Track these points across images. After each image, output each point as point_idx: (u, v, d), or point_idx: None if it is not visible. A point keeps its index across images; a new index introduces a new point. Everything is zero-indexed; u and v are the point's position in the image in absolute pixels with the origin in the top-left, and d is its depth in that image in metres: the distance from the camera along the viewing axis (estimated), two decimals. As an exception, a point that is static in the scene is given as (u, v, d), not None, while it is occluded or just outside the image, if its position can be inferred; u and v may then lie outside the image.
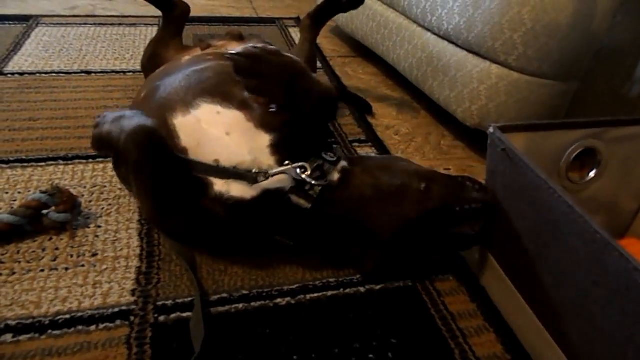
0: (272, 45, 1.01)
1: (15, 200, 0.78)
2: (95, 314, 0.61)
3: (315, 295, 0.68)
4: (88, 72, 1.21)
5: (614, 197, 0.78)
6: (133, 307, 0.63)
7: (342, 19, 1.49)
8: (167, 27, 1.04)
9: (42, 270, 0.67)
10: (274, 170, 0.63)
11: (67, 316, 0.61)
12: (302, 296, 0.67)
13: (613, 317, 0.48)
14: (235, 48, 0.90)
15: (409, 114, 1.21)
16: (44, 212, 0.72)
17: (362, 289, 0.69)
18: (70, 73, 1.19)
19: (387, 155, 1.00)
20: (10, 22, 1.44)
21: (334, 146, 0.98)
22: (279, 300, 0.66)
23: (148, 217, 0.76)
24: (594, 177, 0.76)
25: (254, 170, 0.62)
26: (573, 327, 0.54)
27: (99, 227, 0.75)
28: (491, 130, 0.64)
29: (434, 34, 1.09)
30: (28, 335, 0.58)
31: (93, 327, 0.60)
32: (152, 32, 1.48)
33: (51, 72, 1.19)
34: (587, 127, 0.72)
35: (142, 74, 1.03)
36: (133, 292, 0.65)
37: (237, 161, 0.63)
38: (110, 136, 0.63)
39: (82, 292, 0.64)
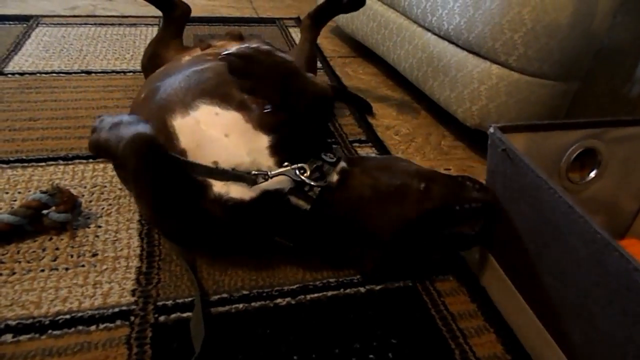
0: (271, 46, 1.02)
1: (15, 200, 0.78)
2: (96, 314, 0.61)
3: (316, 295, 0.68)
4: (88, 72, 1.21)
5: (614, 198, 0.78)
6: (133, 307, 0.63)
7: (342, 19, 1.49)
8: (167, 28, 1.04)
9: (43, 270, 0.67)
10: (273, 172, 0.63)
11: (67, 316, 0.61)
12: (303, 296, 0.67)
13: (613, 318, 0.48)
14: (229, 48, 0.90)
15: (409, 114, 1.21)
16: (44, 212, 0.72)
17: (362, 289, 0.70)
18: (70, 73, 1.19)
19: (387, 156, 1.00)
20: (11, 22, 1.44)
21: (334, 146, 0.98)
22: (279, 300, 0.66)
23: (148, 219, 0.76)
24: (594, 178, 0.76)
25: (253, 172, 0.62)
26: (573, 327, 0.54)
27: (99, 227, 0.75)
28: (491, 130, 0.64)
29: (435, 34, 1.09)
30: (28, 335, 0.58)
31: (93, 327, 0.60)
32: (153, 32, 1.48)
33: (51, 72, 1.19)
34: (587, 127, 0.72)
35: (142, 74, 1.03)
36: (133, 292, 0.65)
37: (236, 162, 0.63)
38: (108, 143, 0.62)
39: (82, 292, 0.64)
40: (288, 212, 0.64)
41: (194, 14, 1.10)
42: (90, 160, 0.89)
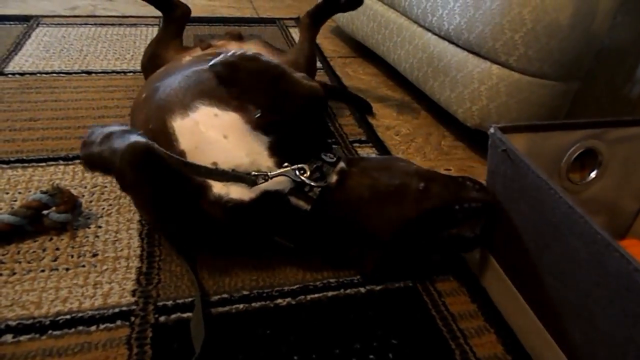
0: (271, 46, 1.02)
1: (15, 201, 0.78)
2: (96, 315, 0.61)
3: (316, 295, 0.68)
4: (89, 73, 1.21)
5: (614, 198, 0.78)
6: (133, 307, 0.63)
7: (342, 19, 1.49)
8: (167, 28, 1.04)
9: (43, 271, 0.67)
10: (273, 172, 0.63)
11: (68, 316, 0.61)
12: (303, 297, 0.67)
13: (613, 318, 0.48)
14: (229, 49, 0.90)
15: (409, 115, 1.21)
16: (45, 212, 0.72)
17: (362, 290, 0.69)
18: (70, 73, 1.19)
19: (386, 156, 1.00)
20: (11, 22, 1.44)
21: (334, 147, 0.98)
22: (279, 300, 0.66)
23: (148, 221, 0.76)
24: (594, 178, 0.76)
25: (253, 173, 0.62)
26: (573, 327, 0.54)
27: (100, 227, 0.75)
28: (492, 130, 0.64)
29: (435, 34, 1.09)
30: (28, 336, 0.58)
31: (93, 328, 0.60)
32: (153, 32, 1.48)
33: (52, 72, 1.19)
34: (588, 127, 0.72)
35: (142, 74, 1.03)
36: (133, 293, 0.65)
37: (235, 164, 0.63)
38: (102, 157, 0.60)
39: (82, 292, 0.64)
40: (288, 212, 0.64)
41: (194, 14, 1.10)
42: (91, 160, 0.89)
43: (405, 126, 1.16)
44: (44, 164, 0.87)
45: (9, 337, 0.58)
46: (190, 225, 0.65)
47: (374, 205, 0.66)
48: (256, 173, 0.62)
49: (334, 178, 0.67)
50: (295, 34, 1.59)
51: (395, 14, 1.24)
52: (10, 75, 1.15)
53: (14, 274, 0.66)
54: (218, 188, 0.63)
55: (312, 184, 0.64)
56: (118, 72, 1.23)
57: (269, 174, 0.62)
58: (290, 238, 0.67)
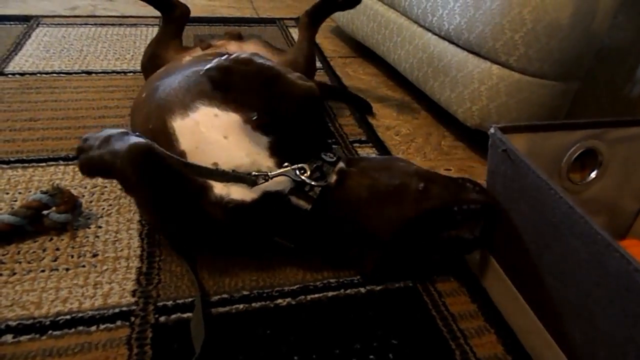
0: (271, 46, 1.02)
1: (15, 201, 0.78)
2: (96, 315, 0.61)
3: (316, 295, 0.68)
4: (89, 73, 1.21)
5: (614, 198, 0.78)
6: (134, 307, 0.63)
7: (342, 19, 1.49)
8: (166, 28, 1.04)
9: (43, 271, 0.67)
10: (274, 172, 0.63)
11: (68, 317, 0.61)
12: (303, 297, 0.67)
13: (613, 318, 0.48)
14: (228, 49, 0.90)
15: (409, 115, 1.21)
16: (45, 212, 0.72)
17: (362, 290, 0.69)
18: (70, 73, 1.19)
19: (386, 156, 1.00)
20: (11, 22, 1.44)
21: (334, 147, 0.98)
22: (279, 300, 0.66)
23: (149, 222, 0.76)
24: (594, 178, 0.76)
25: (253, 173, 0.62)
26: (574, 327, 0.54)
27: (100, 227, 0.75)
28: (492, 131, 0.64)
29: (435, 34, 1.09)
30: (29, 336, 0.58)
31: (94, 328, 0.60)
32: (153, 32, 1.48)
33: (52, 73, 1.19)
34: (588, 127, 0.72)
35: (142, 74, 1.03)
36: (134, 293, 0.65)
37: (236, 164, 0.63)
38: (103, 161, 0.59)
39: (82, 292, 0.64)
40: (289, 212, 0.64)
41: (193, 14, 1.10)
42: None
43: (405, 126, 1.16)
44: (44, 164, 0.87)
45: (9, 337, 0.58)
46: (191, 226, 0.65)
47: (373, 205, 0.66)
48: (256, 173, 0.62)
49: (334, 178, 0.67)
50: (295, 34, 1.59)
51: (396, 14, 1.24)
52: (10, 75, 1.15)
53: (14, 274, 0.66)
54: (219, 189, 0.63)
55: (313, 183, 0.64)
56: (118, 72, 1.23)
57: (269, 174, 0.62)
58: (291, 238, 0.67)
